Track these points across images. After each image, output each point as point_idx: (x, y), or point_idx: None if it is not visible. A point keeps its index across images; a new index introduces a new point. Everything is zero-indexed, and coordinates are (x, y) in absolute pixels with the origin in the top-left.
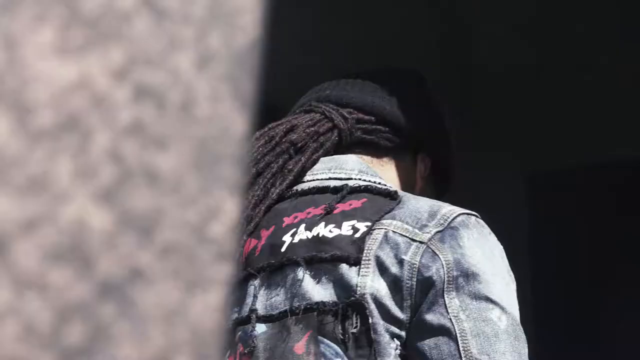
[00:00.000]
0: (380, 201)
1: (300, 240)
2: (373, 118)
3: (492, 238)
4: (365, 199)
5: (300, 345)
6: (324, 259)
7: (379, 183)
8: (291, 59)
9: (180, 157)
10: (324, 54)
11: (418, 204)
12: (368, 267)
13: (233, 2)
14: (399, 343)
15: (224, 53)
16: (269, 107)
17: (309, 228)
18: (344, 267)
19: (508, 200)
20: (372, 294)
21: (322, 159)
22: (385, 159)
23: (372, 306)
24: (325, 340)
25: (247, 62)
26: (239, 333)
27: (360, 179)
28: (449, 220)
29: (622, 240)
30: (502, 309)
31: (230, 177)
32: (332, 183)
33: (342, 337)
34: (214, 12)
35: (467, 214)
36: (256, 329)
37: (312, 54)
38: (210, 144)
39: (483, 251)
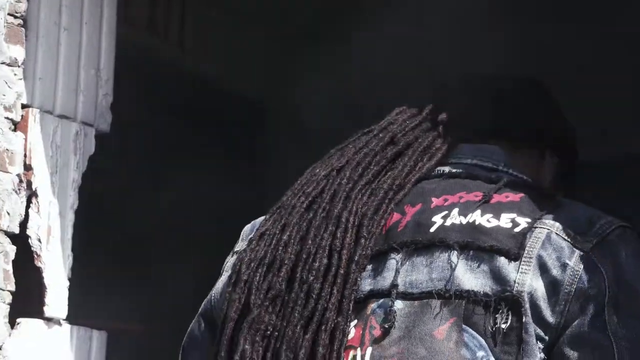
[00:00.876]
0: (538, 199)
1: (453, 224)
2: (478, 121)
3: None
4: (522, 194)
5: (441, 330)
6: (482, 247)
7: (526, 179)
8: None
9: None
10: None
11: (576, 209)
12: (529, 265)
13: None
14: (542, 347)
15: None
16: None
17: (463, 213)
18: (501, 260)
19: None
20: (529, 293)
21: (465, 145)
22: (518, 153)
23: (527, 305)
24: (470, 330)
25: None
26: (373, 305)
27: (507, 172)
28: (608, 231)
29: None
30: None
31: None
32: (479, 171)
33: (491, 330)
34: None
35: (624, 226)
36: (395, 305)
37: None
38: None
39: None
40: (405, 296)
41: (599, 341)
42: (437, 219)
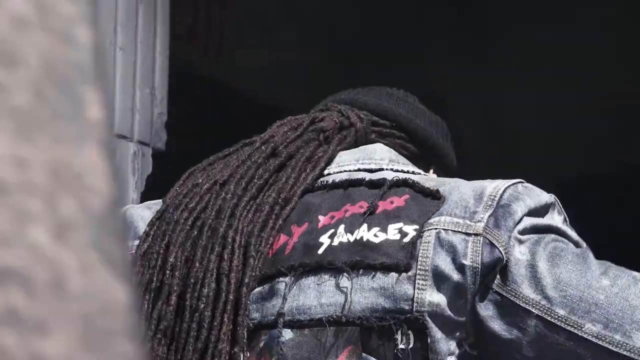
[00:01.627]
0: (423, 197)
1: (341, 243)
2: (387, 122)
3: (545, 196)
4: (407, 195)
5: None
6: (372, 265)
7: (414, 172)
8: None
9: (66, 340)
10: None
11: (461, 191)
12: (425, 279)
13: (77, 164)
14: (458, 351)
15: (82, 218)
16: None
17: (349, 230)
18: (393, 276)
19: None
20: (431, 311)
21: (346, 151)
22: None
23: (431, 323)
24: (370, 358)
25: (109, 225)
26: (264, 337)
27: (392, 169)
28: (497, 198)
29: None
30: None
31: (126, 352)
32: (364, 175)
33: (393, 355)
34: (58, 176)
35: (513, 184)
36: (283, 335)
37: None
38: (95, 320)
39: None
40: (294, 324)
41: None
42: (325, 239)
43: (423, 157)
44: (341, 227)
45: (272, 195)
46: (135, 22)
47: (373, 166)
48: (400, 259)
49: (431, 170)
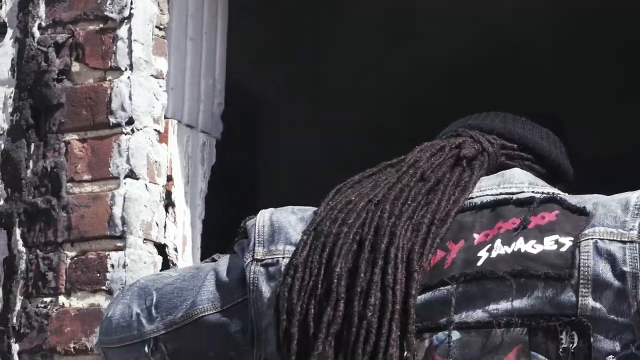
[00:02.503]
0: (572, 213)
1: (499, 255)
2: (516, 145)
3: None
4: (557, 211)
5: (509, 358)
6: (536, 275)
7: (554, 193)
8: None
9: None
10: None
11: (606, 204)
12: (587, 287)
13: None
14: (623, 352)
15: None
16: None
17: (506, 243)
18: (557, 285)
19: None
20: (593, 315)
21: (486, 176)
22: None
23: (595, 326)
24: (539, 356)
25: None
26: (431, 339)
27: (533, 192)
28: None
29: None
30: None
31: None
32: (509, 196)
33: (557, 353)
34: None
35: None
36: (452, 337)
37: None
38: None
39: None
40: (460, 327)
41: None
42: (483, 253)
43: (549, 177)
44: (497, 242)
45: (427, 216)
46: (202, 13)
47: (514, 189)
48: (563, 268)
49: (557, 188)
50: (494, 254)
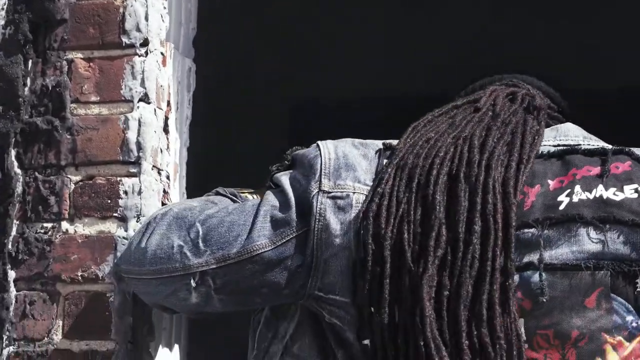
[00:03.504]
0: None
1: (581, 200)
2: (556, 107)
3: None
4: (629, 162)
5: (590, 300)
6: (622, 222)
7: (604, 147)
8: None
9: None
10: None
11: None
12: None
13: None
14: None
15: None
16: None
17: (586, 189)
18: (628, 230)
19: None
20: None
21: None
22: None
23: None
24: (618, 298)
25: None
26: (515, 278)
27: (589, 144)
28: None
29: None
30: None
31: None
32: (556, 149)
33: (635, 295)
34: None
35: None
36: (538, 277)
37: None
38: None
39: None
40: (546, 268)
41: None
42: (563, 198)
43: None
44: (577, 187)
45: (514, 155)
46: None
47: (571, 142)
48: None
49: None
50: (575, 199)
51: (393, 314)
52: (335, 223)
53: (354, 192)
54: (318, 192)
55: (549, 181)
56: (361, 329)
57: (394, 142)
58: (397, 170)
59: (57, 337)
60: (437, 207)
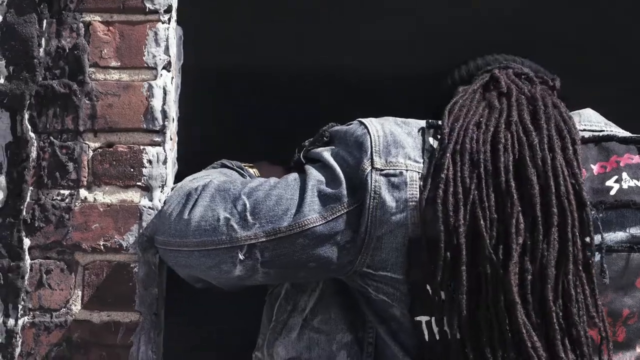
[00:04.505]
0: None
1: (630, 187)
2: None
3: None
4: None
5: (639, 280)
6: None
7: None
8: None
9: None
10: None
11: None
12: None
13: None
14: None
15: None
16: None
17: (634, 177)
18: None
19: None
20: None
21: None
22: None
23: None
24: None
25: None
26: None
27: (611, 131)
28: None
29: None
30: None
31: None
32: (590, 134)
33: None
34: None
35: None
36: (599, 258)
37: None
38: None
39: None
40: (600, 249)
41: None
42: (612, 184)
43: None
44: (624, 174)
45: (567, 138)
46: None
47: (595, 127)
48: None
49: None
50: (625, 186)
51: (470, 300)
52: (390, 201)
53: (406, 170)
54: (371, 169)
55: (592, 166)
56: (413, 305)
57: (436, 122)
58: (456, 155)
59: (76, 307)
60: (514, 194)
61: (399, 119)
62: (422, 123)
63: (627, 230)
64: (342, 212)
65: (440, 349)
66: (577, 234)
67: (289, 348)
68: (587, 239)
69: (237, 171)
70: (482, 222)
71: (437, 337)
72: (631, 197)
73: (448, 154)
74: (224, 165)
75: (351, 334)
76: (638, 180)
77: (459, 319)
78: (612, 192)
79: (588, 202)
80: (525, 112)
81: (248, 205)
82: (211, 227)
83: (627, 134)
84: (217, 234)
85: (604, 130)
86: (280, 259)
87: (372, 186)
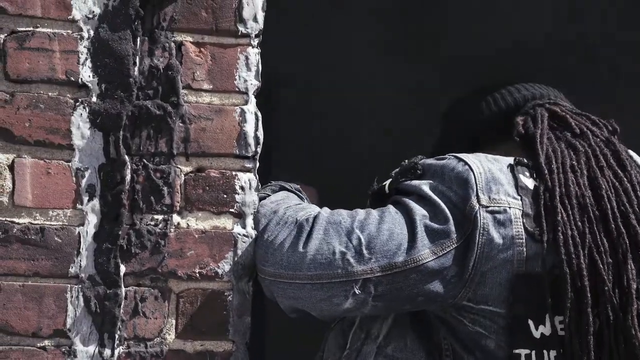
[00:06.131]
0: None
1: None
2: None
3: None
4: None
5: None
6: None
7: None
8: None
9: None
10: None
11: None
12: None
13: None
14: None
15: None
16: None
17: None
18: None
19: None
20: None
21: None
22: None
23: None
24: None
25: None
26: None
27: None
28: None
29: None
30: None
31: None
32: None
33: None
34: None
35: None
36: None
37: None
38: None
39: None
40: None
41: None
42: None
43: None
44: None
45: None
46: None
47: None
48: None
49: None
50: None
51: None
52: (498, 237)
53: (509, 207)
54: (479, 207)
55: None
56: (513, 338)
57: (524, 159)
58: (564, 198)
59: (170, 336)
60: (626, 241)
61: (489, 156)
62: (510, 160)
63: None
64: (451, 248)
65: None
66: None
67: None
68: None
69: (297, 194)
70: (601, 265)
71: None
72: None
73: (557, 196)
74: (283, 188)
75: None
76: None
77: (588, 357)
78: None
79: None
80: (610, 157)
81: (363, 240)
82: (327, 261)
83: None
84: (333, 267)
85: None
86: (392, 293)
87: (482, 223)
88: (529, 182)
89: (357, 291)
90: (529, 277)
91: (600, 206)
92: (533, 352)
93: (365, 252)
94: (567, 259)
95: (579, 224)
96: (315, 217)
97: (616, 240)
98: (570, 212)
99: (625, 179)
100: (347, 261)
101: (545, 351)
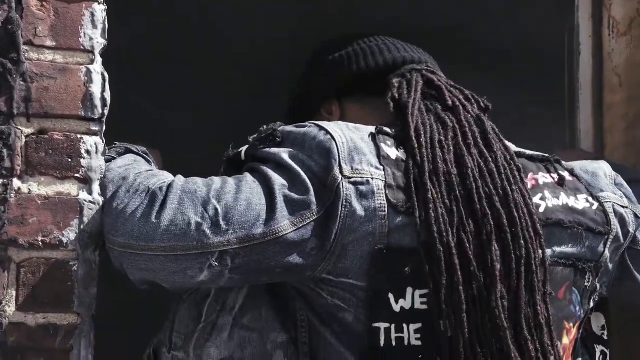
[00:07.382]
0: (575, 178)
1: (554, 205)
2: None
3: None
4: (567, 172)
5: (561, 291)
6: (591, 229)
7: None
8: None
9: None
10: None
11: (590, 171)
12: (612, 242)
13: None
14: (601, 291)
15: None
16: None
17: (554, 196)
18: (598, 237)
19: None
20: (604, 262)
21: None
22: None
23: (603, 269)
24: (575, 290)
25: None
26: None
27: (519, 149)
28: (614, 177)
29: None
30: None
31: None
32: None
33: (583, 289)
34: None
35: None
36: None
37: None
38: None
39: None
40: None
41: None
42: (538, 201)
43: None
44: (546, 192)
45: (513, 165)
46: None
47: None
48: (603, 225)
49: None
50: (550, 204)
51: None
52: (360, 210)
53: (372, 178)
54: (342, 178)
55: (527, 180)
56: (373, 312)
57: (385, 128)
58: (432, 175)
59: (10, 309)
60: (490, 222)
61: (350, 124)
62: (372, 129)
63: (552, 248)
64: (312, 219)
65: (398, 355)
66: (538, 265)
67: (222, 348)
68: (545, 270)
69: (145, 158)
70: (467, 245)
71: (394, 344)
72: (558, 215)
73: (426, 172)
74: (129, 150)
75: (286, 334)
76: (558, 200)
77: (456, 335)
78: (541, 209)
79: (541, 232)
80: (478, 136)
81: (220, 210)
82: (181, 232)
83: (531, 152)
84: (188, 239)
85: (521, 150)
86: (249, 265)
87: (344, 195)
88: (392, 152)
89: (213, 263)
90: (391, 250)
91: (465, 185)
92: (393, 326)
93: (222, 223)
94: (439, 237)
95: (447, 201)
96: (169, 186)
97: (481, 222)
98: (438, 190)
99: (490, 159)
100: (202, 232)
101: (404, 324)
